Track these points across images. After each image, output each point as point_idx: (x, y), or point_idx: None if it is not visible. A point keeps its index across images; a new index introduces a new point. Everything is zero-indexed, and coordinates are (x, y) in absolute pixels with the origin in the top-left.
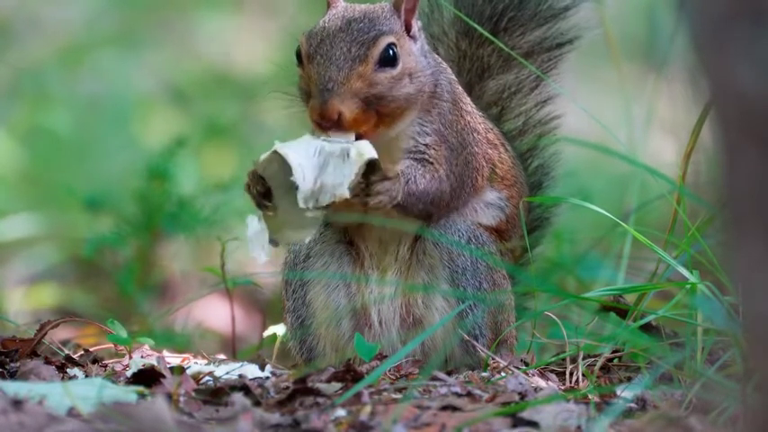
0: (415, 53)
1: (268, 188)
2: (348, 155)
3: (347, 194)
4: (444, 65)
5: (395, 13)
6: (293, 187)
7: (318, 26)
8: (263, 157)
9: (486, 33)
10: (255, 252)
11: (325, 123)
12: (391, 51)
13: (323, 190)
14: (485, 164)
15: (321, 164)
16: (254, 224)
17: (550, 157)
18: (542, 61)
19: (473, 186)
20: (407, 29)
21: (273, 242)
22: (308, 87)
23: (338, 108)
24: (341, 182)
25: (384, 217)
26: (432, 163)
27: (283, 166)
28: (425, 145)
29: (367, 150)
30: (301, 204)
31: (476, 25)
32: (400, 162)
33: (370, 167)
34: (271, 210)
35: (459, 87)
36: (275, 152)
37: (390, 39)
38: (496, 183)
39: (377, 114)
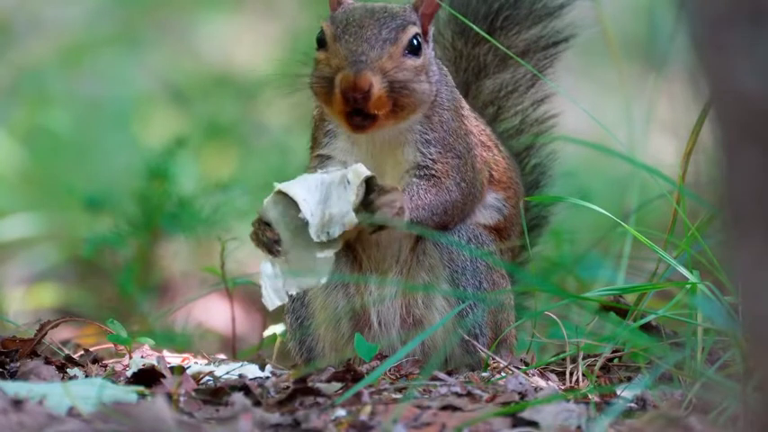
0: (429, 56)
1: (277, 234)
2: (348, 181)
3: (355, 220)
4: (445, 70)
5: (415, 13)
6: (302, 225)
7: (341, 14)
8: (266, 200)
9: (482, 32)
10: (268, 299)
11: (355, 94)
12: (416, 41)
13: (332, 221)
14: (483, 166)
15: (324, 196)
16: (268, 269)
17: (547, 156)
18: (538, 60)
19: (480, 190)
20: (423, 32)
21: (288, 288)
22: (331, 69)
23: (370, 80)
24: (347, 209)
25: (403, 234)
26: (438, 177)
27: (288, 206)
28: (432, 160)
29: (362, 170)
30: (314, 238)
31: (471, 24)
32: (404, 181)
33: (369, 188)
34: (282, 255)
35: (458, 93)
36: (278, 192)
37: (417, 29)
38: (493, 185)
39: (395, 104)
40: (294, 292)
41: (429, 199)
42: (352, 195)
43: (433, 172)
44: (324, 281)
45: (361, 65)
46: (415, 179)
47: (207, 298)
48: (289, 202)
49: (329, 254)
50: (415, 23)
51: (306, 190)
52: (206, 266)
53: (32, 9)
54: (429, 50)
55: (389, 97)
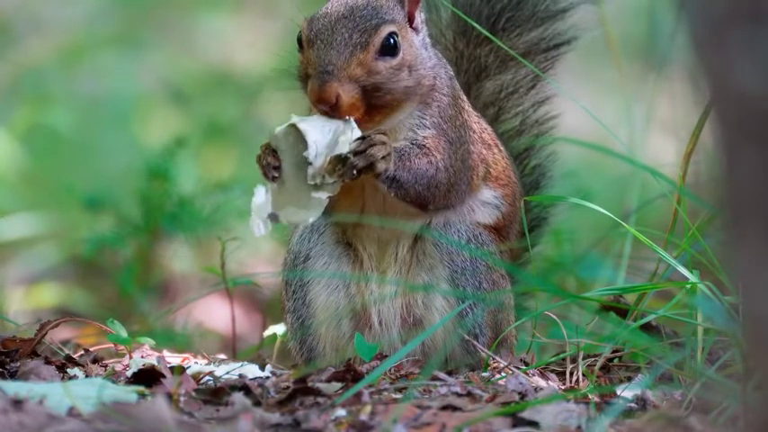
0: (417, 45)
1: (279, 162)
2: (352, 129)
3: (344, 151)
4: (444, 60)
5: (399, 2)
6: (305, 163)
7: (321, 12)
8: (279, 128)
9: (485, 32)
10: (254, 224)
11: (322, 106)
12: (392, 40)
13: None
14: (479, 163)
15: (332, 142)
16: (261, 195)
17: (547, 156)
18: (539, 62)
19: (469, 185)
20: (410, 20)
21: (274, 217)
22: (306, 75)
23: (336, 91)
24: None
25: (385, 199)
26: (429, 149)
27: (297, 140)
28: (424, 137)
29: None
30: (310, 180)
31: (474, 23)
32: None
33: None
34: (278, 183)
35: (458, 84)
36: (293, 125)
37: (392, 28)
38: (491, 182)
39: (378, 103)
40: (284, 222)
41: (418, 165)
42: (351, 143)
43: (425, 143)
44: (311, 220)
45: (326, 76)
46: (408, 144)
47: (207, 298)
48: (299, 137)
49: (323, 196)
50: (392, 21)
51: (319, 131)
52: (206, 266)
53: (32, 9)
54: (417, 38)
55: (364, 101)
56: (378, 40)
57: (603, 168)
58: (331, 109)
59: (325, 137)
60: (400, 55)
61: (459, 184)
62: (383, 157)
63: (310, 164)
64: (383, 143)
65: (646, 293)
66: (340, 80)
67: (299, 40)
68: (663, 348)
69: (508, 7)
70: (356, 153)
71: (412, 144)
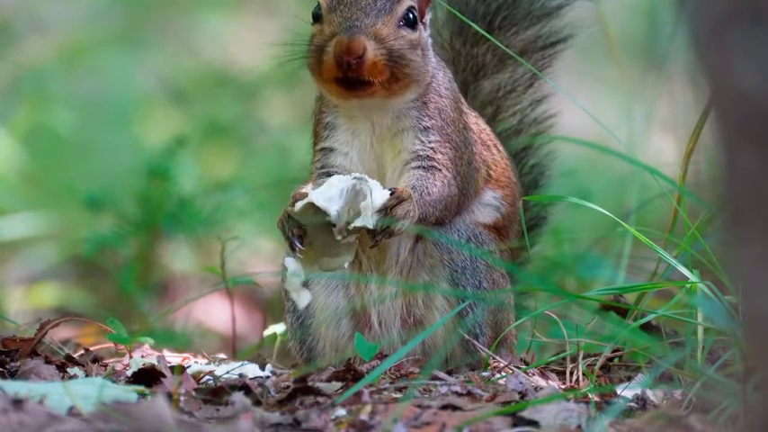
0: (424, 37)
1: (304, 230)
2: (370, 188)
3: (370, 226)
4: (443, 63)
5: None
6: (329, 224)
7: None
8: (299, 205)
9: (482, 30)
10: (295, 297)
11: (349, 58)
12: (412, 15)
13: (354, 222)
14: (481, 164)
15: (350, 200)
16: (291, 266)
17: (546, 155)
18: (536, 60)
19: (475, 188)
20: (420, 16)
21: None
22: (324, 37)
23: (364, 43)
24: (367, 215)
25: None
26: (440, 169)
27: (318, 211)
28: (431, 148)
29: (378, 199)
30: (337, 237)
31: (470, 22)
32: (408, 173)
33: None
34: (305, 246)
35: (456, 86)
36: (312, 203)
37: (412, 3)
38: (491, 183)
39: (390, 74)
40: (322, 272)
41: (435, 194)
42: (373, 214)
43: (434, 163)
44: (347, 264)
45: (355, 29)
46: (420, 171)
47: (207, 298)
48: (318, 208)
49: (351, 239)
50: None
51: (336, 201)
52: (206, 266)
53: (32, 9)
54: (425, 33)
55: (387, 65)
56: (401, 9)
57: (603, 168)
58: (356, 64)
59: (342, 200)
60: (417, 32)
61: (468, 188)
62: (406, 215)
63: (334, 225)
64: (407, 212)
65: (646, 293)
66: (368, 35)
67: (316, 15)
68: (663, 348)
69: (504, 5)
70: (382, 230)
71: (423, 169)
